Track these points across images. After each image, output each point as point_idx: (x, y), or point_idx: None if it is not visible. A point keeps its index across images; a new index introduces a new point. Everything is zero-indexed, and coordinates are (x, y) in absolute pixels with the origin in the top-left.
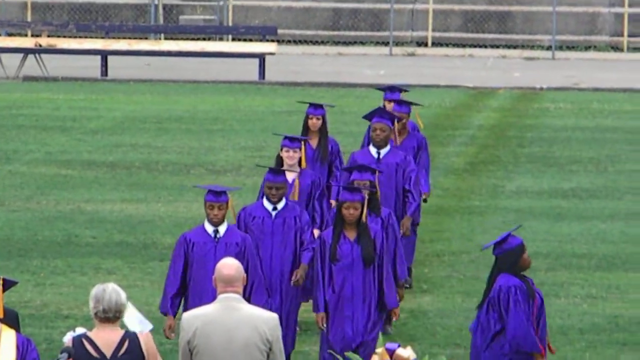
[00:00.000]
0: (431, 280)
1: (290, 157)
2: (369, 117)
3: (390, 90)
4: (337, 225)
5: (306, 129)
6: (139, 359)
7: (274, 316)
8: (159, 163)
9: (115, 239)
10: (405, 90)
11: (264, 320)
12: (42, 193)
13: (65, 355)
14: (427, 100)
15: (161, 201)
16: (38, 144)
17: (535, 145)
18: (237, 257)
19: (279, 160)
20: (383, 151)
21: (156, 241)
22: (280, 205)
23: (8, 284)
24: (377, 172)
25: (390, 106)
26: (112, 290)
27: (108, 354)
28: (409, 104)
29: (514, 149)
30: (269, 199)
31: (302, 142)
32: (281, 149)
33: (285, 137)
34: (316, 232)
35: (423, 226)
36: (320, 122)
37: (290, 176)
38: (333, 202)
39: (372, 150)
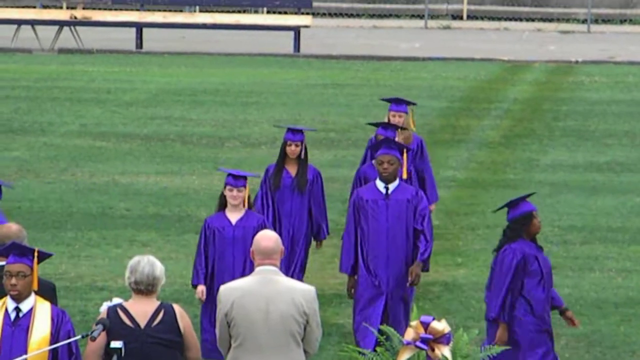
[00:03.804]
0: (466, 254)
1: (234, 197)
2: (374, 148)
3: (396, 102)
4: None
5: (284, 155)
6: (173, 330)
7: (311, 289)
8: (193, 136)
9: (150, 212)
10: (413, 104)
11: (302, 292)
12: (77, 165)
13: (100, 327)
14: (462, 73)
15: (196, 174)
16: (73, 116)
17: (570, 119)
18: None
19: (223, 200)
20: (392, 186)
21: (191, 214)
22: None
23: (43, 256)
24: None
25: (394, 120)
26: (146, 263)
27: (142, 323)
28: (395, 127)
29: (549, 123)
30: None
31: (247, 180)
32: (224, 187)
33: (229, 175)
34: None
35: (458, 199)
36: (299, 148)
37: (234, 217)
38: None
39: (379, 185)
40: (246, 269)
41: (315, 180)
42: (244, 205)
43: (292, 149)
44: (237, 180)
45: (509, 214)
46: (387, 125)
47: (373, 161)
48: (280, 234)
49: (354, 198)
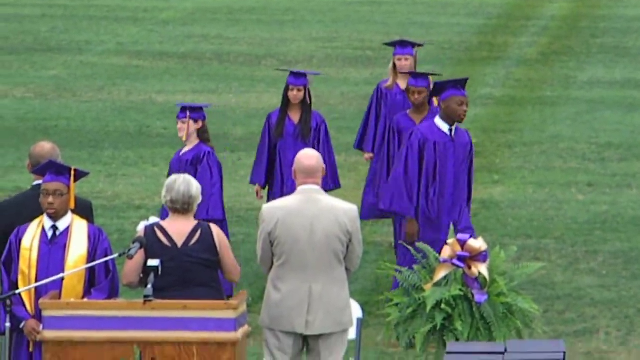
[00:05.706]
0: (503, 171)
1: (179, 129)
2: (440, 87)
3: (401, 45)
4: None
5: (286, 101)
6: (210, 249)
7: (354, 207)
8: (230, 54)
9: None
10: (420, 45)
11: (345, 211)
12: (114, 84)
13: (137, 245)
14: None
15: (232, 92)
16: (110, 35)
17: (608, 36)
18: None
19: None
20: (453, 128)
21: (227, 132)
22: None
23: (79, 175)
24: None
25: (400, 64)
26: (182, 182)
27: (179, 242)
28: (426, 76)
29: (587, 40)
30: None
31: (200, 111)
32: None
33: (182, 108)
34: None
35: (495, 117)
36: (302, 93)
37: (183, 151)
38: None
39: (443, 126)
40: None
41: (319, 127)
42: (197, 137)
43: (294, 94)
44: (182, 112)
45: None
46: (417, 75)
47: (441, 102)
48: (282, 185)
49: (418, 137)
